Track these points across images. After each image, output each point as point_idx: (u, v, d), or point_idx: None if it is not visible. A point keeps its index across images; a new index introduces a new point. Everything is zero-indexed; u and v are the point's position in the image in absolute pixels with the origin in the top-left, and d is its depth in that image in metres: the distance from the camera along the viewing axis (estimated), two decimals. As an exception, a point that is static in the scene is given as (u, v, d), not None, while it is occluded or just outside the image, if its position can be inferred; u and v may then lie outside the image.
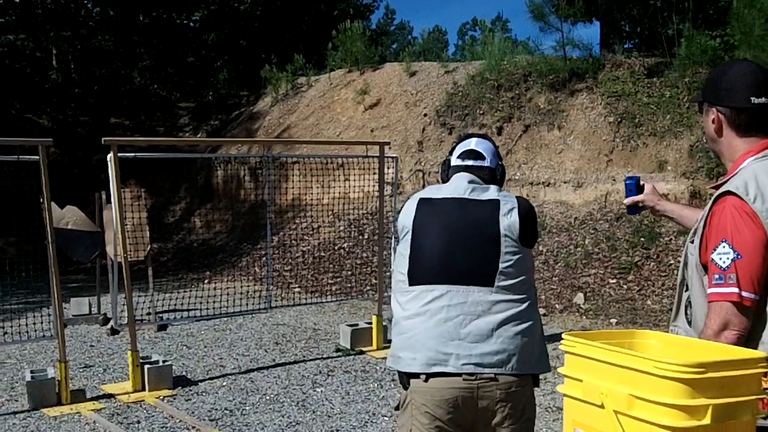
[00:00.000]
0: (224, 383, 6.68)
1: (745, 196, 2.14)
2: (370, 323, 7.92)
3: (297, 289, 12.47)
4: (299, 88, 19.30)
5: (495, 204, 2.84)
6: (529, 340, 2.79)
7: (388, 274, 9.04)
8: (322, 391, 6.39)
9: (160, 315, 9.74)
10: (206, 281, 13.88)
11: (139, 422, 5.61)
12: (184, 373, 6.97)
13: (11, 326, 8.14)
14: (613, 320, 8.96)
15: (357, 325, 8.06)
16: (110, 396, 6.30)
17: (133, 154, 6.52)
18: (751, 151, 2.28)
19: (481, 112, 14.03)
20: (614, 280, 9.96)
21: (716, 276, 2.13)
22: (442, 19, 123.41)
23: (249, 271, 14.26)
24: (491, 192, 2.89)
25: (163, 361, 6.61)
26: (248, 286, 12.37)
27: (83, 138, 20.64)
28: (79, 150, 20.09)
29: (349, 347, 7.79)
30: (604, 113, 12.27)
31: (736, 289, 2.09)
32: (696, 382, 1.68)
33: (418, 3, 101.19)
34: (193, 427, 5.44)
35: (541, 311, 9.55)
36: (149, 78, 26.41)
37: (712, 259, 2.15)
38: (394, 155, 9.71)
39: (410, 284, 2.81)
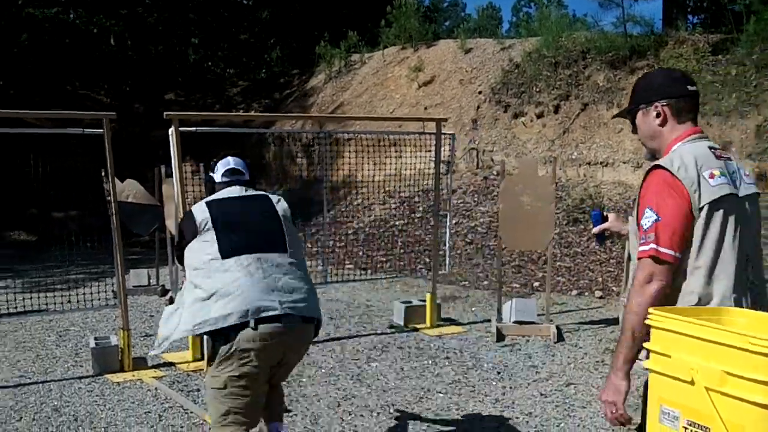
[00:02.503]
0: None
1: (670, 167, 2.49)
2: (424, 301, 7.89)
3: (349, 266, 12.50)
4: (352, 66, 19.27)
5: (267, 198, 3.96)
6: (312, 290, 3.76)
7: (442, 252, 9.02)
8: (376, 366, 6.39)
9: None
10: (260, 256, 14.00)
11: (198, 390, 5.68)
12: (241, 345, 7.03)
13: (74, 295, 8.31)
14: (672, 303, 8.80)
15: (410, 302, 8.05)
16: (170, 364, 6.41)
17: (194, 129, 6.56)
18: (679, 137, 2.65)
19: (538, 89, 13.84)
20: (673, 262, 9.76)
21: (641, 237, 2.49)
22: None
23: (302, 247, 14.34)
24: (260, 191, 4.08)
25: (222, 333, 6.67)
26: (301, 261, 12.45)
27: (140, 114, 20.96)
28: (136, 126, 20.39)
29: (402, 324, 7.78)
30: (666, 92, 11.99)
31: (654, 245, 2.43)
32: (793, 359, 1.62)
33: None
34: (252, 398, 5.49)
35: (598, 294, 9.43)
36: (203, 55, 26.61)
37: (641, 225, 2.50)
38: (451, 132, 9.62)
39: (229, 256, 3.61)
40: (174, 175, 6.19)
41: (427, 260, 11.94)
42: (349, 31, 19.57)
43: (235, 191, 3.94)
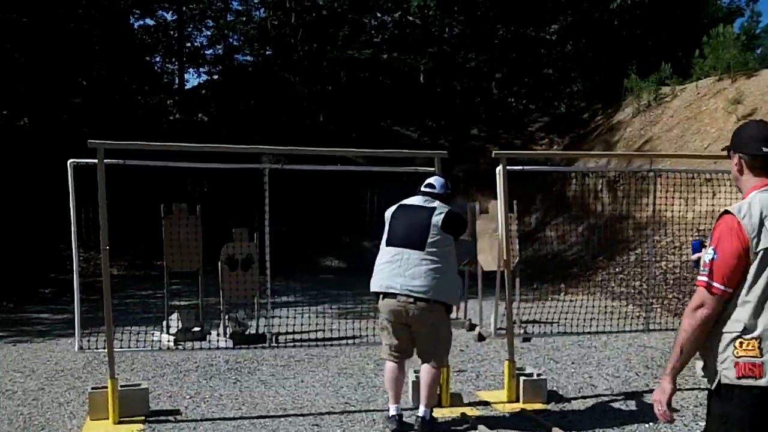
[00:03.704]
0: (598, 403, 6.43)
1: (737, 213, 2.90)
2: (757, 356, 7.13)
3: (658, 309, 11.78)
4: (662, 98, 18.38)
5: (433, 210, 5.48)
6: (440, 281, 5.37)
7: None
8: (703, 425, 5.85)
9: (524, 325, 9.76)
10: (561, 293, 13.72)
11: (517, 433, 5.60)
12: (554, 388, 6.84)
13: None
14: None
15: (740, 357, 7.31)
16: (486, 403, 6.39)
17: (521, 167, 6.56)
18: (756, 186, 3.00)
19: None
20: None
21: (701, 269, 2.96)
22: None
23: (605, 286, 13.84)
24: (435, 204, 5.55)
25: (538, 374, 6.54)
26: (606, 302, 11.98)
27: (446, 149, 21.67)
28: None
29: (730, 380, 7.08)
30: None
31: (706, 279, 2.90)
32: None
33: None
34: (573, 448, 5.27)
35: None
36: (506, 90, 26.99)
37: (703, 258, 2.99)
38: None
39: (387, 245, 5.52)
40: (499, 211, 6.20)
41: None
42: (662, 62, 18.71)
43: (417, 200, 5.63)
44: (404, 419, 5.68)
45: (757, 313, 2.87)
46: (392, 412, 5.58)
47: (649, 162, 14.68)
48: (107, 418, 5.81)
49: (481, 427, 5.61)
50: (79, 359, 8.35)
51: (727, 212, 2.94)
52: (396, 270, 5.35)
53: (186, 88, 29.19)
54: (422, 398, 5.53)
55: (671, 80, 18.40)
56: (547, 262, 16.94)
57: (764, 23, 58.37)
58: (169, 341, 9.12)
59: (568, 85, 25.73)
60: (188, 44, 29.46)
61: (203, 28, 29.92)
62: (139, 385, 6.25)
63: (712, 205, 12.06)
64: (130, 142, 6.19)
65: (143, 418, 5.93)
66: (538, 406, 6.26)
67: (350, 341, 8.79)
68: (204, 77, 30.88)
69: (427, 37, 25.22)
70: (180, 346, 8.83)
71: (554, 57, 25.35)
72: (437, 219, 5.42)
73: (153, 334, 9.35)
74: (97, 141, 5.68)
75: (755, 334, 2.85)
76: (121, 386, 5.98)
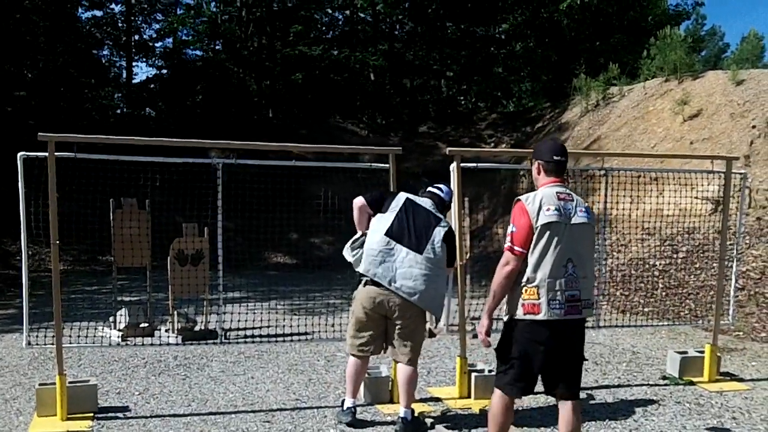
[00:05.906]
0: (549, 399, 6.49)
1: (525, 201, 4.25)
2: (702, 352, 7.31)
3: (605, 306, 11.97)
4: (610, 98, 18.67)
5: (439, 219, 5.57)
6: (428, 288, 5.39)
7: (727, 299, 8.31)
8: (654, 421, 5.97)
9: (473, 322, 9.81)
10: (510, 291, 13.81)
11: (469, 429, 5.61)
12: (505, 385, 6.88)
13: (337, 324, 8.60)
14: None
15: (686, 353, 7.48)
16: (437, 399, 6.41)
17: (475, 165, 6.57)
18: (545, 183, 4.36)
19: (826, 125, 12.53)
20: None
21: (507, 239, 4.26)
22: (758, 22, 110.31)
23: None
24: (440, 215, 5.64)
25: (489, 371, 6.58)
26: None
27: (394, 145, 21.67)
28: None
29: (677, 376, 7.25)
30: None
31: (510, 244, 4.22)
32: None
33: (731, 7, 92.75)
34: (525, 443, 5.31)
35: None
36: (455, 89, 27.12)
37: (507, 232, 4.28)
38: (743, 171, 8.90)
39: (385, 234, 5.39)
40: (453, 207, 6.21)
41: (693, 305, 11.14)
42: (610, 63, 19.03)
43: (426, 203, 5.65)
44: (357, 415, 5.69)
45: (535, 269, 4.17)
46: (348, 404, 5.60)
47: (597, 160, 14.92)
48: (55, 415, 5.67)
49: (438, 427, 5.63)
50: (25, 355, 8.14)
51: (519, 200, 4.29)
52: (389, 264, 5.32)
53: (134, 82, 28.69)
54: (402, 399, 5.49)
55: (619, 81, 18.70)
56: (495, 259, 16.98)
57: (708, 26, 59.57)
58: (117, 337, 8.96)
59: (516, 84, 25.94)
60: (136, 37, 28.97)
61: (152, 22, 29.47)
62: (88, 381, 6.10)
63: (659, 204, 12.31)
64: (81, 135, 6.02)
65: (92, 414, 5.81)
66: (489, 402, 6.29)
67: (301, 338, 8.76)
68: (152, 71, 30.42)
69: (378, 35, 25.20)
70: (128, 342, 8.68)
71: (503, 56, 25.54)
72: (441, 230, 5.48)
73: (101, 329, 9.18)
74: (47, 134, 5.53)
75: (535, 283, 4.17)
76: (70, 382, 5.83)
